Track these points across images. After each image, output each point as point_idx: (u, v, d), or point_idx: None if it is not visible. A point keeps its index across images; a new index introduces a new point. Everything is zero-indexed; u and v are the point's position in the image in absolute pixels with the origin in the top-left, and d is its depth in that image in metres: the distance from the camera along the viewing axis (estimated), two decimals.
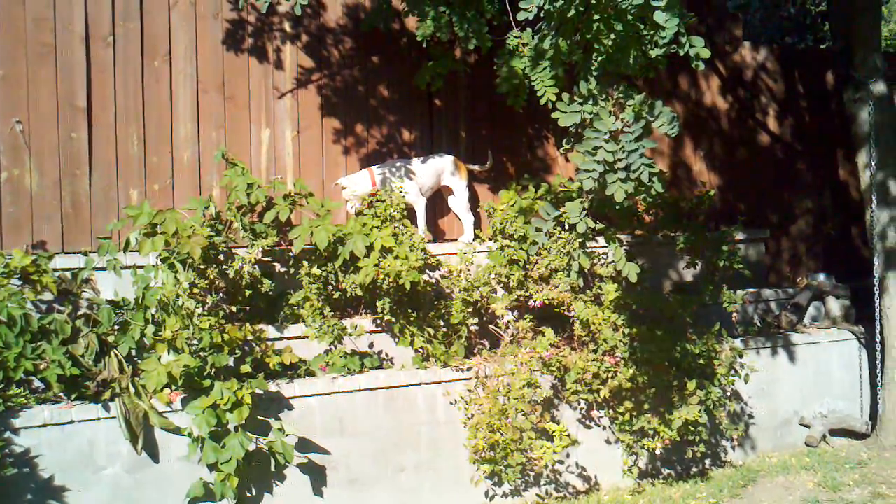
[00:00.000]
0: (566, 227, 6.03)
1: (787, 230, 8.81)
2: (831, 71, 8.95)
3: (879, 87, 6.83)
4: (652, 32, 4.48)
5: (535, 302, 5.99)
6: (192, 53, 6.29)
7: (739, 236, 7.51)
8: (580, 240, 5.22)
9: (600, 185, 4.57)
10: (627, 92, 4.65)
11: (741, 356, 6.44)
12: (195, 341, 5.12)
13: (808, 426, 7.28)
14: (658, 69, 5.03)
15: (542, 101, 5.81)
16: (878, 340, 6.96)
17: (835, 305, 8.01)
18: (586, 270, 6.02)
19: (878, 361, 6.99)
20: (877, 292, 6.97)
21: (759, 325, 7.47)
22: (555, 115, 4.90)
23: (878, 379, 6.96)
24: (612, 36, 4.56)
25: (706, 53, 4.48)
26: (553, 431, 5.73)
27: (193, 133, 6.28)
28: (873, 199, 6.86)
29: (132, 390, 4.96)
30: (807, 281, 8.49)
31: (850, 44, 7.00)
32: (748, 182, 8.54)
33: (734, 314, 6.81)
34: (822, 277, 8.38)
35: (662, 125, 4.62)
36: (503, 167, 7.37)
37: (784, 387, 7.14)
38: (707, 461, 6.68)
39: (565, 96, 4.89)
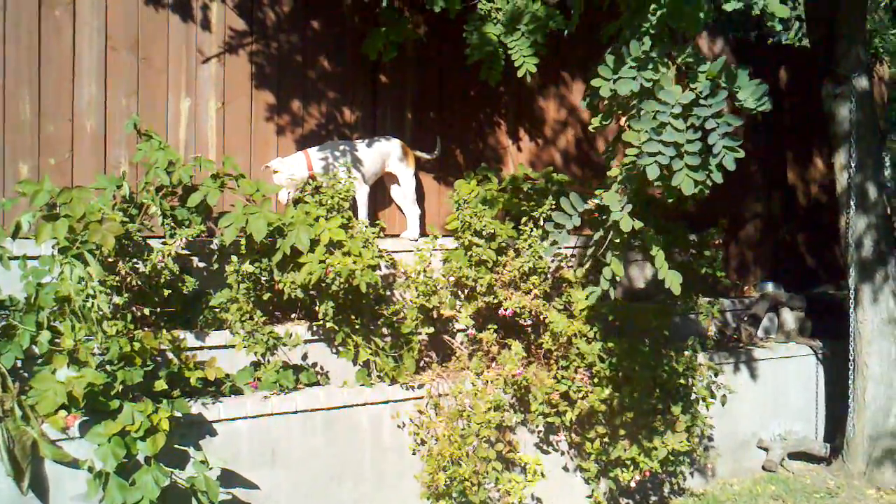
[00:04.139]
0: (535, 223, 5.34)
1: (736, 235, 8.30)
2: (784, 67, 8.52)
3: (862, 83, 6.31)
4: None
5: (505, 310, 5.19)
6: (101, 4, 5.25)
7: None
8: (618, 240, 4.34)
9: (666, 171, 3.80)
10: (697, 56, 3.89)
11: (716, 374, 5.83)
12: (101, 352, 4.15)
13: (766, 449, 6.79)
14: None
15: (521, 73, 5.06)
16: (850, 358, 6.48)
17: (789, 317, 7.55)
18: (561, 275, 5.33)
19: (849, 381, 6.50)
20: (851, 305, 6.48)
21: (716, 338, 6.90)
22: (595, 82, 4.09)
23: (850, 400, 6.48)
24: None
25: (784, 12, 3.81)
26: (525, 463, 4.98)
27: (99, 98, 5.25)
28: (852, 203, 6.35)
29: (18, 413, 3.95)
30: (755, 290, 8.04)
31: (832, 34, 6.44)
32: None
33: (711, 327, 6.19)
34: (770, 286, 7.95)
35: (748, 99, 3.89)
36: (451, 156, 6.58)
37: (744, 406, 6.60)
38: (665, 489, 6.06)
39: (609, 58, 4.07)
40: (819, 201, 8.84)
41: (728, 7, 3.87)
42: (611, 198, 4.20)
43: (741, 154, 3.86)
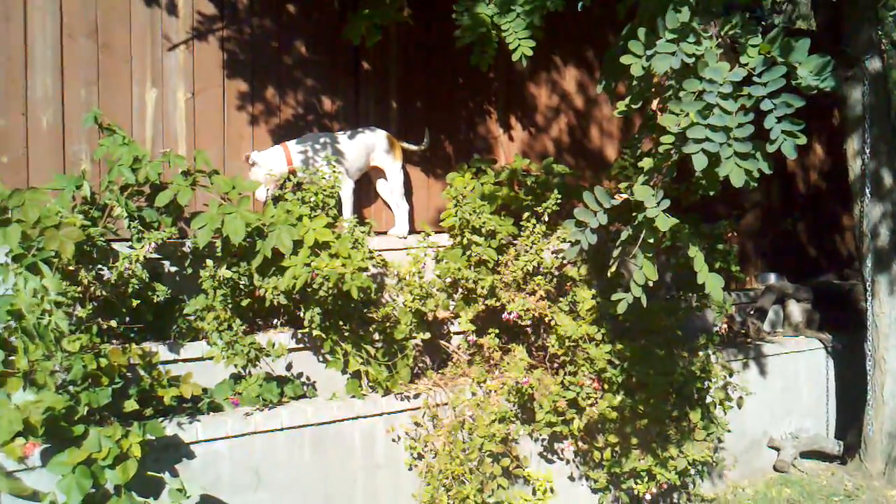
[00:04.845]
0: (537, 218, 4.93)
1: (736, 225, 7.93)
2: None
3: (875, 64, 5.94)
4: None
5: (510, 313, 4.77)
6: None
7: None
8: (651, 239, 3.85)
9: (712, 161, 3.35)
10: (748, 25, 3.46)
11: (731, 374, 5.44)
12: (62, 371, 3.69)
13: (777, 448, 6.43)
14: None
15: (515, 57, 4.62)
16: (868, 353, 6.12)
17: (796, 310, 7.20)
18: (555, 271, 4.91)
19: (867, 377, 6.14)
20: (868, 297, 6.12)
21: (722, 333, 6.51)
22: (625, 59, 3.63)
23: (868, 397, 6.12)
24: None
25: None
26: (533, 480, 4.56)
27: (55, 90, 4.78)
28: (867, 191, 5.99)
29: None
30: (756, 281, 7.70)
31: (841, 15, 6.08)
32: None
33: (723, 323, 5.80)
34: (773, 278, 7.60)
35: (808, 75, 3.44)
36: (439, 147, 6.15)
37: (754, 404, 6.19)
38: (675, 495, 5.68)
39: (641, 32, 3.61)
40: (819, 188, 8.49)
41: None
42: (643, 192, 3.72)
43: (803, 140, 3.39)
